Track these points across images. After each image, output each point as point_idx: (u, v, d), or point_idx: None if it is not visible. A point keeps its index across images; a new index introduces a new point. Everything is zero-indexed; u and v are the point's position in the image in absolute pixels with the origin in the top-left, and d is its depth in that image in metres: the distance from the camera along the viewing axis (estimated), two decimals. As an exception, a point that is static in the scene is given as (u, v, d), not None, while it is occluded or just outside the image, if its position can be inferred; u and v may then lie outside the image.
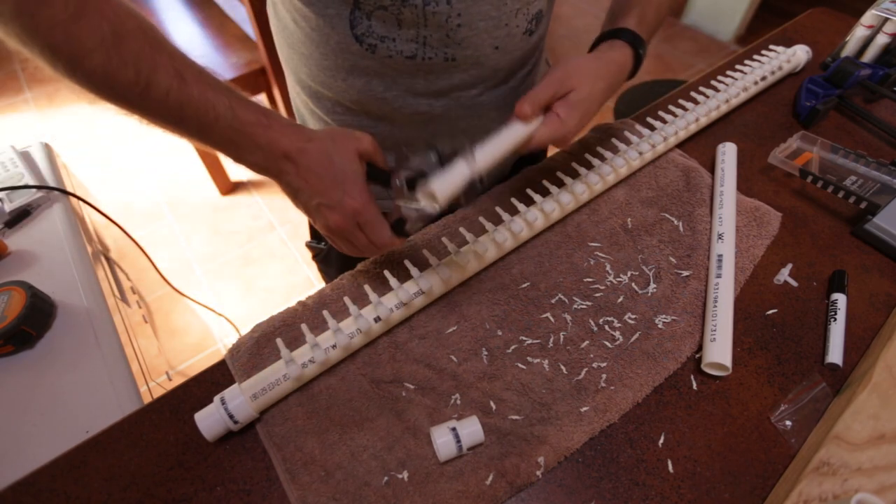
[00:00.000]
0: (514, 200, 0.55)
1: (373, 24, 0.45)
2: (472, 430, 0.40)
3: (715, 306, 0.47)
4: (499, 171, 0.67)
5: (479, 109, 0.55)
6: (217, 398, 0.41)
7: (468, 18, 0.45)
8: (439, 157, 0.42)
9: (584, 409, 0.43)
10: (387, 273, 0.49)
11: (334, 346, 0.44)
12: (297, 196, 0.43)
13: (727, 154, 0.61)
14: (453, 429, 0.40)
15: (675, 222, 0.56)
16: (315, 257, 0.78)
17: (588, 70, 0.47)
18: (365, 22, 0.45)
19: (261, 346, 0.47)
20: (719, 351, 0.44)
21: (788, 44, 0.76)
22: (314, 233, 0.78)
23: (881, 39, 0.71)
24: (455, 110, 0.54)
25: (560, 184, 0.57)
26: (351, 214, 0.42)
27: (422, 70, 0.49)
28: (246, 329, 0.49)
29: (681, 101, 0.66)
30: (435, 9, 0.44)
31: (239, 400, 0.41)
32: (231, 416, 0.41)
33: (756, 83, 0.69)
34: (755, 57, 0.73)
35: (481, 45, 0.48)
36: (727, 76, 0.69)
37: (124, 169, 2.03)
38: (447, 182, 0.41)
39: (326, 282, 0.82)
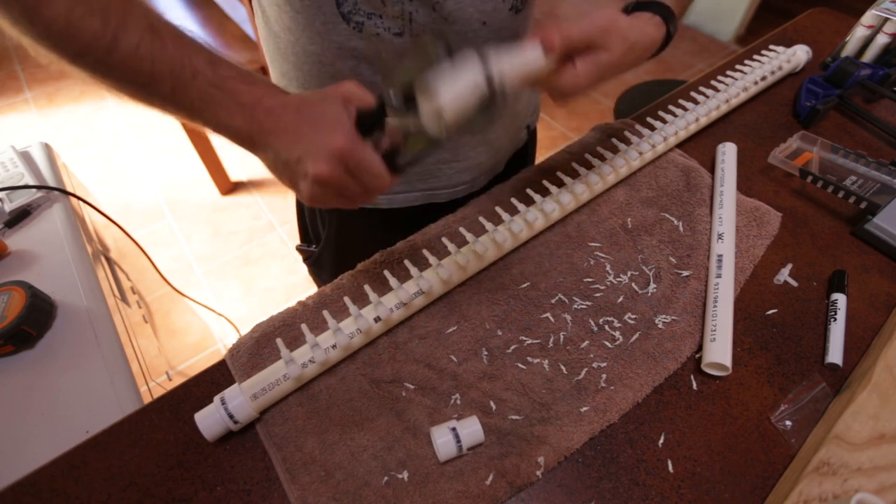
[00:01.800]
0: (514, 200, 0.55)
1: (358, 0, 0.45)
2: (472, 430, 0.40)
3: (715, 306, 0.47)
4: (493, 161, 0.65)
5: None
6: (217, 398, 0.41)
7: None
8: (448, 52, 0.33)
9: (584, 409, 0.43)
10: (387, 273, 0.49)
11: (334, 346, 0.44)
12: (278, 159, 0.38)
13: (727, 154, 0.61)
14: (453, 429, 0.40)
15: (675, 222, 0.56)
16: (306, 260, 0.77)
17: (627, 35, 0.42)
18: None
19: (261, 346, 0.47)
20: (719, 351, 0.44)
21: (788, 44, 0.76)
22: (304, 235, 0.77)
23: (881, 39, 0.71)
24: None
25: (560, 184, 0.57)
26: (338, 157, 0.36)
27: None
28: (246, 329, 0.49)
29: (681, 101, 0.66)
30: None
31: (239, 400, 0.41)
32: (231, 416, 0.41)
33: (756, 83, 0.69)
34: (755, 57, 0.73)
35: (469, 20, 0.47)
36: (727, 76, 0.69)
37: (124, 169, 2.03)
38: (456, 88, 0.32)
39: (318, 285, 0.82)
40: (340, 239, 0.68)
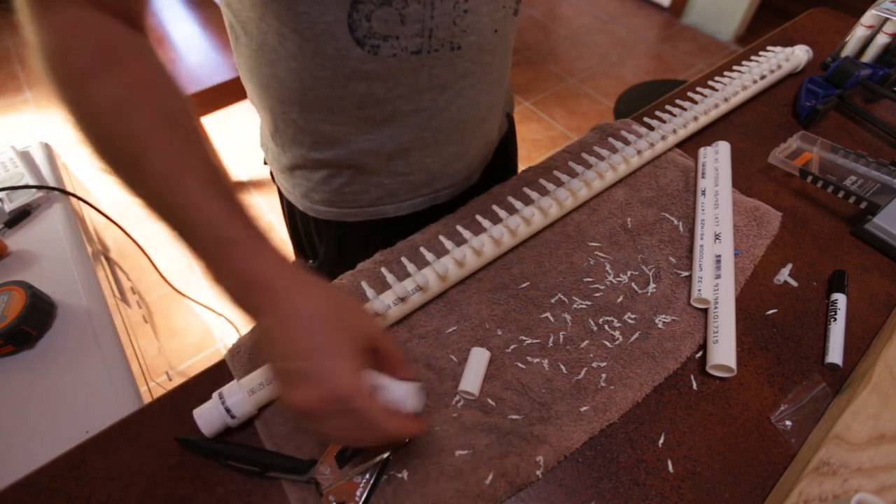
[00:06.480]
0: (511, 199, 0.55)
1: (373, 24, 0.44)
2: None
3: (716, 307, 0.47)
4: (467, 178, 0.64)
5: (477, 98, 0.54)
6: (215, 394, 0.41)
7: (474, 3, 0.45)
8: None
9: (584, 408, 0.43)
10: (384, 270, 0.49)
11: (334, 346, 0.44)
12: (270, 348, 0.33)
13: (721, 153, 0.61)
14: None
15: (675, 222, 0.56)
16: None
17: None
18: (365, 24, 0.43)
19: (261, 345, 0.47)
20: (724, 352, 0.44)
21: (788, 44, 0.76)
22: (299, 250, 0.73)
23: (881, 39, 0.71)
24: (457, 102, 0.53)
25: (559, 183, 0.57)
26: (335, 397, 0.31)
27: (426, 64, 0.47)
28: (246, 329, 0.49)
29: (678, 102, 0.66)
30: None
31: (238, 396, 0.41)
32: (228, 411, 0.41)
33: (755, 81, 0.69)
34: (753, 57, 0.73)
35: (484, 30, 0.47)
36: (726, 76, 0.69)
37: (124, 169, 2.03)
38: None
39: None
40: (341, 252, 0.65)
